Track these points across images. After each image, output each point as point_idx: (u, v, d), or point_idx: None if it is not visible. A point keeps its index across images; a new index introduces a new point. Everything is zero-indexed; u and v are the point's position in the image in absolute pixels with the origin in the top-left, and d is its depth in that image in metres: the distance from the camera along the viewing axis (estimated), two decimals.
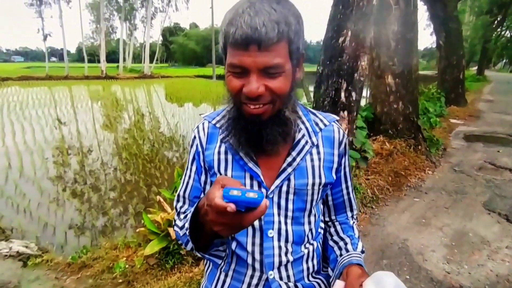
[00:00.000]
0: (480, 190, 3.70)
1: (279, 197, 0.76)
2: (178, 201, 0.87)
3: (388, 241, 2.68)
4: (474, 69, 29.05)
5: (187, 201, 0.85)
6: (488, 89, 16.70)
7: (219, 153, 0.77)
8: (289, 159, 0.75)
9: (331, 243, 0.87)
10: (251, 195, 0.49)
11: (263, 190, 0.74)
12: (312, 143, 0.77)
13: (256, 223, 0.75)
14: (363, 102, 4.54)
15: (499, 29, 21.79)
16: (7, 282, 2.17)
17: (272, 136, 0.69)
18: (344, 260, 0.78)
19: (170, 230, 2.32)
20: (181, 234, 0.77)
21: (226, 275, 0.81)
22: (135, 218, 3.76)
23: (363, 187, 3.40)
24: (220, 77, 27.00)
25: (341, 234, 0.87)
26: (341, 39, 3.08)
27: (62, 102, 13.61)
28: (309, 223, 0.81)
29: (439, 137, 5.52)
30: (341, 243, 0.84)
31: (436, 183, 3.92)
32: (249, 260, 0.77)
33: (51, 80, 24.29)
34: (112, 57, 53.50)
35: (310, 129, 0.78)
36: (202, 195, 0.83)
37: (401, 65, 4.57)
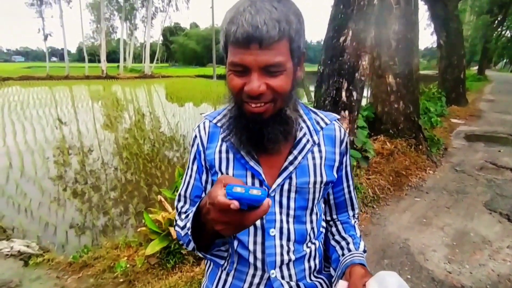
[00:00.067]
0: (481, 190, 3.69)
1: (281, 196, 0.75)
2: (179, 200, 0.87)
3: (389, 241, 2.68)
4: (474, 68, 29.00)
5: (188, 200, 0.85)
6: (489, 89, 16.67)
7: (220, 152, 0.77)
8: (290, 157, 0.75)
9: (333, 242, 0.87)
10: (255, 192, 0.49)
11: (265, 189, 0.74)
12: (314, 141, 0.77)
13: (258, 221, 0.75)
14: (363, 102, 4.53)
15: (499, 29, 21.76)
16: (9, 282, 2.17)
17: (273, 134, 0.69)
18: (346, 260, 0.78)
19: (171, 229, 2.32)
20: (182, 234, 0.77)
21: (227, 274, 0.81)
22: (136, 217, 3.76)
23: (364, 187, 3.39)
24: (220, 77, 27.01)
25: (343, 234, 0.87)
26: (342, 39, 3.08)
27: (62, 102, 13.62)
28: (311, 222, 0.81)
29: (440, 136, 5.51)
30: (343, 243, 0.84)
31: (437, 183, 3.92)
32: (251, 259, 0.77)
33: (52, 80, 24.31)
34: (113, 57, 53.50)
35: (311, 128, 0.78)
36: (203, 195, 0.83)
37: (402, 65, 4.57)
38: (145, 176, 5.06)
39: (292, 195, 0.76)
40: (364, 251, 0.82)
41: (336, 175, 0.81)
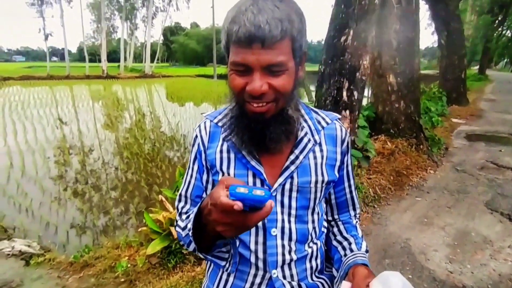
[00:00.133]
0: (482, 189, 3.69)
1: (282, 195, 0.75)
2: (180, 200, 0.86)
3: (390, 241, 2.68)
4: (475, 68, 28.96)
5: (189, 200, 0.84)
6: (489, 89, 16.65)
7: (221, 151, 0.77)
8: (292, 157, 0.74)
9: (334, 243, 0.87)
10: (258, 192, 0.48)
11: (268, 189, 0.74)
12: (315, 141, 0.77)
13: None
14: (364, 102, 4.53)
15: (500, 29, 21.70)
16: (10, 281, 2.17)
17: (275, 134, 0.69)
18: (349, 260, 0.77)
19: (172, 229, 2.32)
20: (183, 235, 0.77)
21: (228, 275, 0.81)
22: (136, 217, 3.76)
23: (365, 187, 3.39)
24: (221, 76, 26.99)
25: (345, 234, 0.87)
26: (343, 38, 3.08)
27: (63, 102, 13.63)
28: (313, 221, 0.80)
29: (441, 136, 5.51)
30: (345, 243, 0.84)
31: (438, 183, 3.91)
32: (252, 259, 0.76)
33: (52, 80, 24.33)
34: (113, 56, 53.55)
35: (312, 127, 0.78)
36: (204, 195, 0.83)
37: (402, 64, 4.57)
38: (145, 175, 5.06)
39: (294, 194, 0.76)
40: (366, 251, 0.81)
41: (337, 175, 0.81)
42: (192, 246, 0.71)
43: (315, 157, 0.77)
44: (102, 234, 3.44)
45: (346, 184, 0.87)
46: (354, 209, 0.91)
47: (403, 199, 3.48)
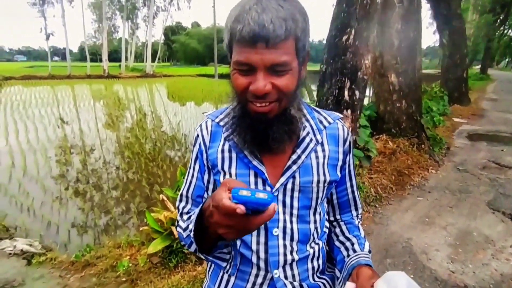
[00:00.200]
0: (484, 189, 3.68)
1: (284, 195, 0.75)
2: (180, 200, 0.86)
3: (391, 240, 2.68)
4: (477, 67, 28.88)
5: (190, 200, 0.84)
6: (491, 88, 16.61)
7: (222, 151, 0.77)
8: (294, 156, 0.74)
9: (337, 243, 0.86)
10: (261, 195, 0.47)
11: (268, 188, 0.74)
12: (317, 140, 0.77)
13: None
14: (366, 101, 4.52)
15: (501, 28, 21.65)
16: (12, 280, 2.18)
17: (278, 134, 0.68)
18: (352, 261, 0.77)
19: (173, 228, 2.33)
20: (184, 236, 0.76)
21: (229, 275, 0.81)
22: (137, 217, 3.77)
23: (366, 186, 3.39)
24: (222, 76, 26.98)
25: (347, 234, 0.86)
26: (344, 38, 3.07)
27: (64, 101, 13.65)
28: (315, 221, 0.80)
29: (443, 136, 5.50)
30: (348, 244, 0.83)
31: (439, 182, 3.90)
32: (254, 259, 0.76)
33: (54, 79, 24.35)
34: (114, 56, 53.60)
35: (314, 127, 0.78)
36: (205, 195, 0.82)
37: (404, 64, 4.56)
38: (147, 175, 5.06)
39: (296, 194, 0.75)
40: (369, 252, 0.81)
41: (339, 175, 0.81)
42: (193, 247, 0.71)
43: (317, 157, 0.76)
44: (103, 234, 3.45)
45: (348, 184, 0.86)
46: (356, 209, 0.91)
47: (404, 199, 3.47)
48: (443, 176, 4.11)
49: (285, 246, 0.76)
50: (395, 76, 4.61)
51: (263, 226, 0.75)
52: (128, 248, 2.60)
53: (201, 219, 0.65)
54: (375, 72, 4.72)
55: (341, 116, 0.84)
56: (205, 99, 14.94)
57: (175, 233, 2.31)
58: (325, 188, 0.78)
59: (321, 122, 0.80)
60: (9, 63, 71.00)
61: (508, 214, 3.08)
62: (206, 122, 0.82)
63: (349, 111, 3.19)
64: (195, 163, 0.83)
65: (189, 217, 0.77)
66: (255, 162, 0.73)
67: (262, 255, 0.75)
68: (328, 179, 0.77)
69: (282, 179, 0.73)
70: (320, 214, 0.82)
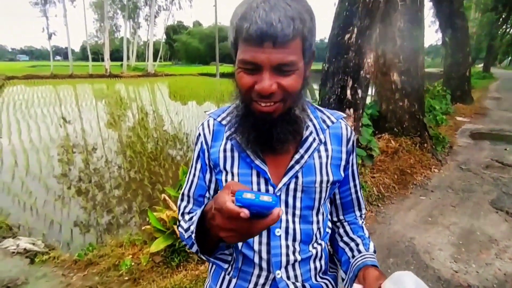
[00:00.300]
0: (487, 188, 3.66)
1: (287, 195, 0.74)
2: (182, 200, 0.85)
3: (394, 239, 2.67)
4: (479, 66, 28.74)
5: (191, 200, 0.83)
6: (494, 87, 16.52)
7: (225, 150, 0.76)
8: (296, 156, 0.73)
9: (341, 244, 0.85)
10: (265, 198, 0.46)
11: (270, 188, 0.73)
12: (320, 140, 0.76)
13: None
14: (368, 100, 4.51)
15: (504, 26, 21.53)
16: (15, 279, 2.19)
17: (282, 134, 0.68)
18: (358, 261, 0.76)
19: (176, 228, 2.33)
20: (186, 237, 0.76)
21: (231, 277, 0.80)
22: (140, 216, 3.78)
23: (369, 185, 3.38)
24: (223, 75, 26.99)
25: (351, 235, 0.85)
26: (347, 36, 3.06)
27: (66, 101, 13.70)
28: (318, 222, 0.79)
29: (445, 135, 5.47)
30: (352, 244, 0.83)
31: (442, 181, 3.89)
32: (256, 259, 0.75)
33: (56, 79, 24.43)
34: (116, 55, 53.59)
35: (317, 126, 0.77)
36: (207, 194, 0.82)
37: (407, 62, 4.54)
38: (149, 174, 5.07)
39: (298, 194, 0.75)
40: (374, 252, 0.80)
41: (342, 174, 0.80)
42: (195, 248, 0.70)
43: (320, 157, 0.75)
44: (105, 233, 3.46)
45: (352, 184, 0.85)
46: (360, 210, 0.90)
47: (407, 198, 3.46)
48: (446, 175, 4.09)
49: (287, 246, 0.75)
50: (398, 74, 4.59)
51: None
52: (130, 247, 2.60)
53: (202, 221, 0.64)
54: (378, 71, 4.70)
55: (344, 115, 0.83)
56: (206, 98, 14.96)
57: (178, 232, 2.31)
58: (328, 188, 0.77)
59: (324, 121, 0.79)
60: (11, 62, 71.32)
61: None
62: (208, 121, 0.81)
63: (351, 110, 3.18)
64: (196, 162, 0.82)
65: (191, 218, 0.77)
66: (257, 162, 0.73)
67: (264, 255, 0.75)
68: (331, 179, 0.76)
69: (285, 179, 0.73)
70: (323, 214, 0.81)
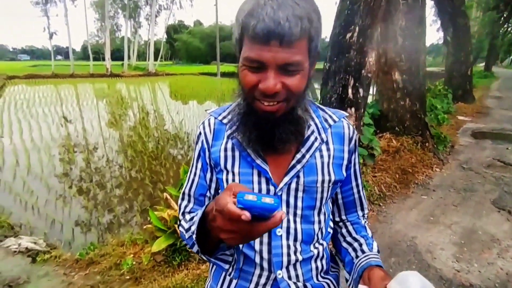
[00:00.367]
0: (489, 187, 3.65)
1: (288, 195, 0.74)
2: (183, 199, 0.85)
3: (396, 239, 2.66)
4: (481, 65, 28.66)
5: (192, 199, 0.83)
6: (496, 86, 16.48)
7: (225, 149, 0.75)
8: (298, 155, 0.73)
9: (344, 244, 0.84)
10: (267, 200, 0.46)
11: (271, 187, 0.73)
12: (322, 139, 0.75)
13: None
14: (369, 99, 4.50)
15: (505, 26, 21.43)
16: (17, 278, 2.19)
17: (284, 134, 0.67)
18: (362, 262, 0.75)
19: (177, 227, 2.33)
20: (186, 237, 0.75)
21: (232, 278, 0.80)
22: (141, 215, 3.78)
23: (370, 184, 3.37)
24: (224, 74, 26.98)
25: (354, 235, 0.85)
26: (348, 35, 3.05)
27: (68, 100, 13.71)
28: (319, 222, 0.79)
29: (447, 134, 5.46)
30: (356, 244, 0.82)
31: (444, 181, 3.88)
32: (257, 259, 0.75)
33: (57, 78, 24.46)
34: (117, 55, 53.63)
35: (319, 126, 0.76)
36: (207, 193, 0.82)
37: (408, 61, 4.52)
38: (150, 173, 5.07)
39: (300, 194, 0.74)
40: (378, 252, 0.80)
41: (344, 174, 0.79)
42: (195, 248, 0.70)
43: (321, 156, 0.75)
44: (107, 232, 3.46)
45: (354, 183, 0.85)
46: (362, 209, 0.89)
47: (408, 197, 3.45)
48: (447, 175, 4.08)
49: (288, 246, 0.75)
50: (399, 74, 4.58)
51: None
52: (131, 246, 2.60)
53: (203, 222, 0.63)
54: (379, 70, 4.68)
55: (347, 114, 0.82)
56: (207, 98, 14.96)
57: (179, 231, 2.31)
58: (330, 188, 0.77)
59: (326, 120, 0.78)
60: (12, 62, 71.49)
61: None
62: (209, 119, 0.81)
63: (353, 109, 3.17)
64: (197, 162, 0.82)
65: (192, 218, 0.76)
66: (258, 161, 0.72)
67: (265, 255, 0.74)
68: (333, 178, 0.75)
69: (286, 179, 0.72)
70: (324, 214, 0.80)
